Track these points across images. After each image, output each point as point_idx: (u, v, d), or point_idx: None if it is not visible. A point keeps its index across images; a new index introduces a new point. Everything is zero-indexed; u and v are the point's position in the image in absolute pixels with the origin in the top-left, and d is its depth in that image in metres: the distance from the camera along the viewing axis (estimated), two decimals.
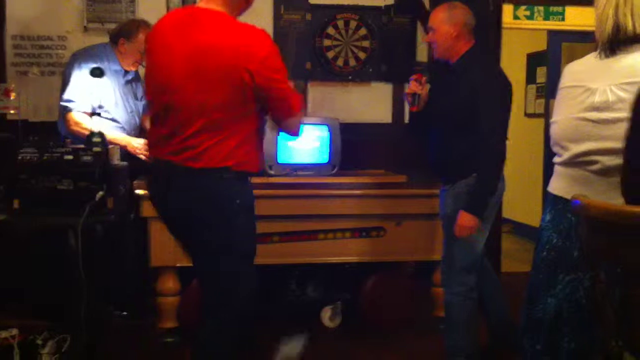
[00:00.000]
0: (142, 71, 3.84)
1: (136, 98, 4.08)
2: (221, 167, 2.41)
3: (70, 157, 3.26)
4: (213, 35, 2.38)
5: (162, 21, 2.57)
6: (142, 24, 3.97)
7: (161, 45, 2.49)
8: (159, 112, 2.51)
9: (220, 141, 2.40)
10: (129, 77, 4.03)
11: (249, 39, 2.38)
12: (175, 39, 2.43)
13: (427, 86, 3.31)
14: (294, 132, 2.63)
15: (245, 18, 4.87)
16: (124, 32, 3.94)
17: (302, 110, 2.59)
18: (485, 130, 3.00)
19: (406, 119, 4.99)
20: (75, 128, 3.80)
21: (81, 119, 3.79)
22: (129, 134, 3.95)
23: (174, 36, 2.44)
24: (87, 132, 3.59)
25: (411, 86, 3.29)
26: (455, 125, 3.13)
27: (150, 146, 2.65)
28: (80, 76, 3.82)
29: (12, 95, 4.46)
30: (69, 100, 3.82)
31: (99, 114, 3.71)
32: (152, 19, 4.62)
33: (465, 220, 3.04)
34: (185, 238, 2.66)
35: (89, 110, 3.77)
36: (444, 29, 3.18)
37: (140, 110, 4.11)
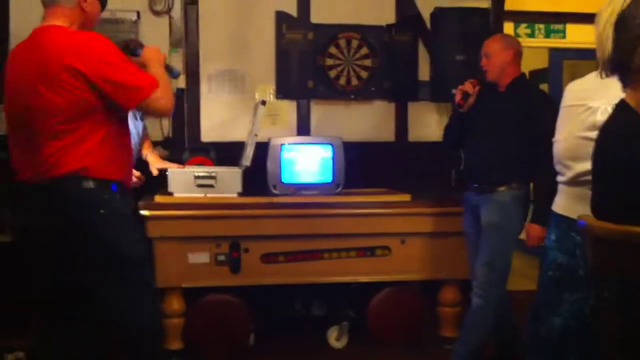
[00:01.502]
0: None
1: (136, 118, 4.10)
2: (73, 175, 2.39)
3: None
4: (47, 45, 2.42)
5: (11, 52, 2.64)
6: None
7: (7, 74, 2.56)
8: (14, 134, 2.55)
9: (68, 148, 2.39)
10: None
11: (76, 39, 2.42)
12: (17, 62, 2.53)
13: (477, 90, 3.55)
14: (163, 112, 2.56)
15: (249, 38, 4.93)
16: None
17: (158, 88, 2.46)
18: (545, 140, 2.97)
19: (410, 137, 5.04)
20: None
21: None
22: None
23: (17, 61, 2.53)
24: None
25: (466, 85, 3.55)
26: (507, 136, 3.38)
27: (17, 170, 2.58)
28: None
29: None
30: None
31: None
32: (156, 39, 4.70)
33: (536, 231, 3.24)
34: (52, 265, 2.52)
35: None
36: (501, 55, 3.49)
37: (141, 132, 4.13)
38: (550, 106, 3.15)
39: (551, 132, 3.03)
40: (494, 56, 3.51)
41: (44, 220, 2.44)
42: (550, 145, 3.00)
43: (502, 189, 3.37)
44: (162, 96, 2.48)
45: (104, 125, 2.45)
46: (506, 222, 3.35)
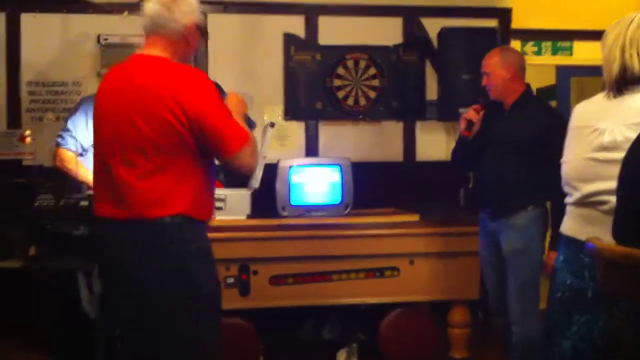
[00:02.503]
0: None
1: None
2: (167, 215, 2.30)
3: (86, 203, 3.29)
4: (149, 77, 2.33)
5: (106, 75, 2.53)
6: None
7: (101, 98, 2.46)
8: (100, 167, 2.44)
9: (162, 185, 2.30)
10: None
11: (181, 75, 2.33)
12: (112, 89, 2.41)
13: (481, 114, 3.46)
14: (247, 171, 2.43)
15: (257, 60, 4.96)
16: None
17: (247, 148, 2.35)
18: (557, 159, 2.99)
19: (418, 157, 5.04)
20: (59, 164, 3.89)
21: (67, 157, 3.87)
22: None
23: (112, 87, 2.42)
24: (68, 170, 3.76)
25: (469, 113, 3.45)
26: (517, 157, 3.28)
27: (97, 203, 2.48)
28: (74, 117, 3.91)
29: (28, 141, 4.54)
30: (59, 137, 3.91)
31: (81, 154, 3.85)
32: None
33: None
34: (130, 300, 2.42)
35: (73, 149, 3.86)
36: (499, 73, 3.36)
37: None
38: (559, 121, 3.09)
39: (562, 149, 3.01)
40: (493, 75, 3.39)
41: (133, 255, 2.34)
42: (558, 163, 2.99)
43: (519, 212, 3.27)
44: (251, 154, 2.38)
45: (197, 164, 2.35)
46: (528, 248, 3.25)
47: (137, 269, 2.34)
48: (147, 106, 2.28)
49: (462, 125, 3.47)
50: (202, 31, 2.51)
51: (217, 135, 2.30)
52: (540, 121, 3.28)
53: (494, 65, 3.39)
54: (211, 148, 2.34)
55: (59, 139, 3.91)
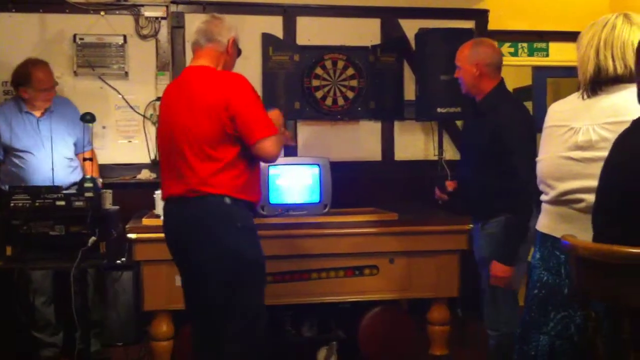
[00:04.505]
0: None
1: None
2: (218, 194, 2.81)
3: (62, 202, 3.27)
4: (199, 83, 2.88)
5: (165, 90, 3.09)
6: (31, 64, 4.05)
7: (165, 105, 3.03)
8: (164, 159, 2.99)
9: (216, 171, 2.80)
10: (46, 118, 4.09)
11: (224, 77, 2.88)
12: (173, 97, 2.98)
13: (451, 184, 3.54)
14: (269, 157, 2.90)
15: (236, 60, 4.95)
16: (20, 80, 4.03)
17: (270, 138, 2.82)
18: (513, 170, 2.98)
19: (396, 157, 5.07)
20: None
21: None
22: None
23: (172, 94, 3.00)
24: None
25: (437, 194, 3.55)
26: (481, 164, 3.19)
27: (163, 188, 3.03)
28: None
29: None
30: None
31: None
32: (142, 63, 4.72)
33: (499, 271, 3.08)
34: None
35: None
36: (467, 68, 3.26)
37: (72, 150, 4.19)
38: (518, 128, 3.04)
39: (517, 158, 2.99)
40: (462, 69, 3.29)
41: (187, 226, 2.87)
42: (516, 172, 2.97)
43: (489, 220, 3.19)
44: (274, 144, 2.84)
45: (243, 155, 2.84)
46: (497, 256, 3.10)
47: (190, 242, 2.88)
48: (200, 106, 2.81)
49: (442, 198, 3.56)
50: (237, 47, 3.05)
51: (246, 122, 2.78)
52: (503, 124, 3.09)
53: (463, 59, 3.28)
54: (241, 133, 2.79)
55: None
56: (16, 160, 4.00)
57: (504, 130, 3.08)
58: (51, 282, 4.04)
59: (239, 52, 3.08)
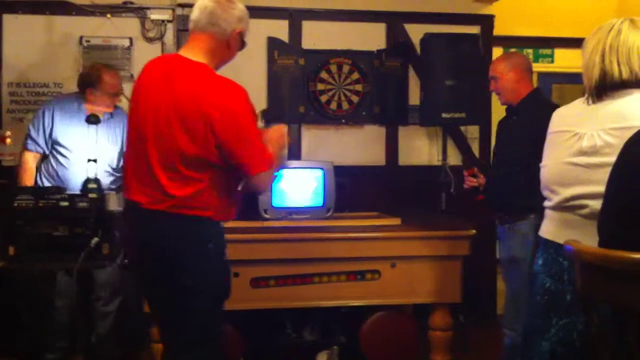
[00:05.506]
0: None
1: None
2: (194, 216, 2.46)
3: (66, 203, 3.27)
4: (186, 84, 2.44)
5: (147, 68, 2.62)
6: (103, 67, 4.06)
7: (142, 95, 2.56)
8: (134, 157, 2.57)
9: (190, 187, 2.43)
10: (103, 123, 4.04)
11: (220, 90, 2.43)
12: (154, 88, 2.50)
13: (482, 176, 3.58)
14: (257, 191, 2.69)
15: (241, 64, 4.97)
16: (89, 81, 4.01)
17: (264, 173, 2.50)
18: None
19: (400, 162, 5.07)
20: (20, 166, 4.02)
21: (24, 160, 4.00)
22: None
23: (154, 85, 2.51)
24: (19, 172, 3.95)
25: (467, 182, 3.56)
26: (514, 163, 3.31)
27: (125, 188, 2.67)
28: (35, 118, 4.02)
29: (8, 142, 4.51)
30: (25, 138, 4.03)
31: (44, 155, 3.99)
32: None
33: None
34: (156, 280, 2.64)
35: (34, 150, 3.97)
36: (507, 76, 3.48)
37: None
38: None
39: None
40: (501, 78, 3.51)
41: (158, 244, 2.50)
42: None
43: (520, 220, 3.30)
44: (268, 178, 2.54)
45: (223, 171, 2.47)
46: (526, 256, 3.25)
47: (164, 255, 2.50)
48: (184, 116, 2.38)
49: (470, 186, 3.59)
50: (242, 42, 2.60)
51: (239, 157, 2.43)
52: (540, 126, 3.17)
53: (502, 68, 3.50)
54: (231, 164, 2.45)
55: (24, 140, 4.04)
56: (60, 158, 3.97)
57: (538, 131, 3.09)
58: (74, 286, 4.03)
59: (242, 46, 2.63)
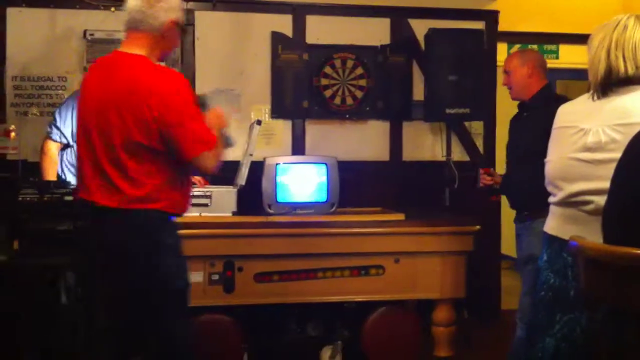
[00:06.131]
0: None
1: None
2: (140, 208, 2.46)
3: (70, 197, 3.28)
4: (126, 76, 2.47)
5: (90, 69, 2.71)
6: None
7: (86, 94, 2.61)
8: (85, 155, 2.58)
9: (137, 179, 2.45)
10: None
11: (157, 78, 2.46)
12: (95, 84, 2.56)
13: (498, 174, 3.65)
14: (203, 172, 2.68)
15: (244, 57, 4.97)
16: None
17: (206, 153, 2.50)
18: None
19: (404, 157, 5.06)
20: (41, 155, 4.02)
21: (47, 146, 4.01)
22: None
23: (95, 81, 2.57)
24: (43, 162, 3.93)
25: (483, 180, 3.61)
26: (530, 161, 3.25)
27: (81, 188, 2.66)
28: (61, 108, 4.03)
29: (12, 136, 4.51)
30: (48, 127, 4.04)
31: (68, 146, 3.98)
32: None
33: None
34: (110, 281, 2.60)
35: (58, 140, 3.98)
36: (519, 71, 3.52)
37: None
38: None
39: None
40: (513, 73, 3.54)
41: (108, 241, 2.51)
42: None
43: (538, 218, 3.17)
44: (211, 157, 2.52)
45: (173, 162, 2.49)
46: None
47: (113, 254, 2.50)
48: (125, 107, 2.42)
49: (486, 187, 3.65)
50: (181, 29, 2.63)
51: (178, 138, 2.44)
52: (540, 121, 3.12)
53: (515, 63, 3.54)
54: (175, 150, 2.46)
55: (48, 129, 4.03)
56: None
57: (549, 127, 3.07)
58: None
59: (182, 31, 2.67)
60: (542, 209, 3.19)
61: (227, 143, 2.77)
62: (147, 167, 2.45)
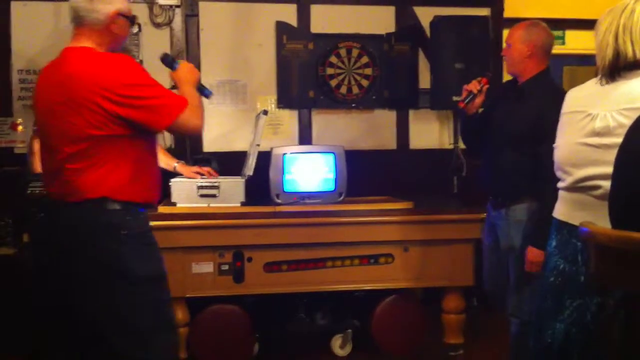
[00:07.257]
0: None
1: None
2: (96, 199, 2.40)
3: None
4: (73, 67, 2.43)
5: (42, 70, 2.63)
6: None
7: (39, 93, 2.58)
8: (43, 151, 2.58)
9: (91, 171, 2.40)
10: None
11: (102, 65, 2.41)
12: (44, 84, 2.53)
13: (485, 89, 3.38)
14: (193, 131, 2.56)
15: (249, 47, 4.96)
16: None
17: (187, 108, 2.46)
18: (546, 155, 2.80)
19: (411, 145, 5.06)
20: (30, 156, 3.88)
21: (36, 149, 3.84)
22: None
23: (44, 82, 2.54)
24: (34, 164, 3.73)
25: (471, 84, 3.36)
26: (513, 147, 3.20)
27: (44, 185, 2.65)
28: None
29: (19, 129, 4.54)
30: (33, 124, 3.93)
31: None
32: (156, 51, 4.68)
33: (535, 255, 3.05)
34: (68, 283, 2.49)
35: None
36: (519, 47, 3.25)
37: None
38: (554, 114, 2.81)
39: (551, 141, 2.97)
40: (513, 47, 3.28)
41: (65, 237, 2.43)
42: (547, 158, 2.78)
43: (515, 205, 3.20)
44: (191, 116, 2.47)
45: (129, 148, 2.45)
46: (525, 244, 3.15)
47: (67, 252, 2.41)
48: (73, 99, 2.37)
49: (463, 95, 3.38)
50: (128, 19, 2.58)
51: (149, 111, 2.40)
52: (544, 111, 3.05)
53: (516, 37, 3.27)
54: (149, 124, 2.43)
55: (34, 127, 3.95)
56: None
57: (543, 116, 3.02)
58: None
59: (132, 22, 2.61)
60: (518, 197, 3.20)
61: (204, 94, 2.74)
62: (101, 160, 2.41)
